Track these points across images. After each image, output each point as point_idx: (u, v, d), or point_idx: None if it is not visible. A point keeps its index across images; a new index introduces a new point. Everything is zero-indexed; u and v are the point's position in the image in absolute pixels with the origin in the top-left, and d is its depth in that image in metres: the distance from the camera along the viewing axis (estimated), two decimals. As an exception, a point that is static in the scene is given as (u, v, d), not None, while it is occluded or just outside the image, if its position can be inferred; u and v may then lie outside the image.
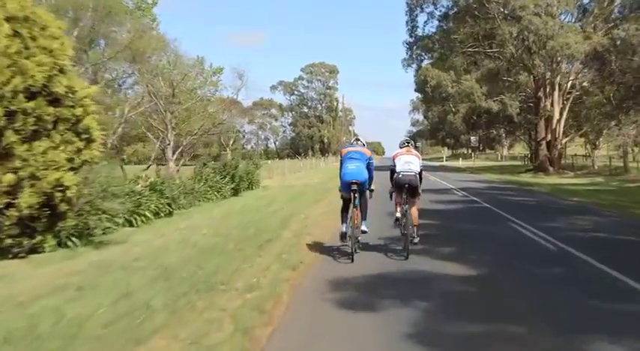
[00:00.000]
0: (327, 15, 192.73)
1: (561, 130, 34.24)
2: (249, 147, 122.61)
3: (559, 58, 30.23)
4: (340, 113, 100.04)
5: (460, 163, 58.93)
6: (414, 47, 36.17)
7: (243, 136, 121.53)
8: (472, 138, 42.72)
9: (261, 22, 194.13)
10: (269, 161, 34.93)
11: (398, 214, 7.36)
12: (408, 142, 7.70)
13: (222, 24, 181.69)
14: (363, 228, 7.19)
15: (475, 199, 16.10)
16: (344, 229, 7.08)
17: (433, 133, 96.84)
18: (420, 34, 36.82)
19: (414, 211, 7.28)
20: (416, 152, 7.53)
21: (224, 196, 16.88)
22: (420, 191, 7.45)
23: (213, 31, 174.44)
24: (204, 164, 17.51)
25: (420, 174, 7.35)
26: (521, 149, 75.86)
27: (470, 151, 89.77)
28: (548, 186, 22.77)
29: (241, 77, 21.30)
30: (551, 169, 33.59)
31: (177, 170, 21.07)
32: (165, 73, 20.51)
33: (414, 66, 36.69)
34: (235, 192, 18.10)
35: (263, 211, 12.57)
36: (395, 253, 7.33)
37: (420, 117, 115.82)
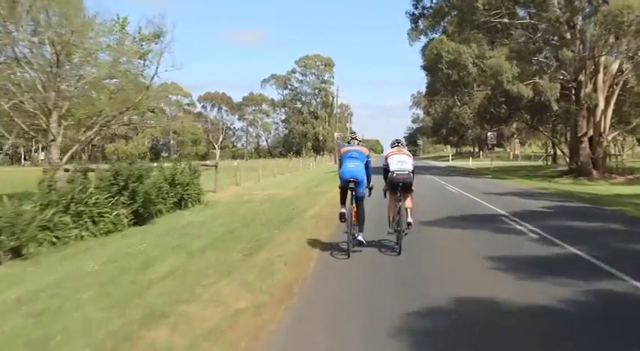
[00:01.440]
0: (327, 14, 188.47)
1: (608, 123, 27.03)
2: (239, 145, 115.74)
3: (613, 28, 22.91)
4: (337, 110, 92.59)
5: (470, 163, 51.74)
6: (420, 20, 28.91)
7: (234, 134, 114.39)
8: (489, 134, 35.17)
9: (261, 20, 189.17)
10: (236, 162, 27.72)
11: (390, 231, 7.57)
12: (399, 142, 7.92)
13: (223, 22, 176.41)
14: (360, 238, 7.33)
15: (579, 253, 7.30)
16: (343, 210, 7.23)
17: (436, 129, 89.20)
18: (427, 4, 29.66)
19: (407, 203, 7.43)
20: (407, 151, 7.78)
21: (107, 229, 9.66)
22: (413, 188, 7.63)
23: (214, 30, 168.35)
24: (84, 172, 10.23)
25: (412, 172, 7.54)
26: (535, 148, 68.78)
27: (478, 150, 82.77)
28: (627, 201, 15.53)
29: (160, 36, 13.50)
30: (594, 172, 26.43)
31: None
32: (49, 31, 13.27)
33: (423, 39, 29.45)
34: (138, 219, 10.87)
35: (113, 287, 5.37)
36: (388, 249, 7.37)
37: (421, 113, 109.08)
